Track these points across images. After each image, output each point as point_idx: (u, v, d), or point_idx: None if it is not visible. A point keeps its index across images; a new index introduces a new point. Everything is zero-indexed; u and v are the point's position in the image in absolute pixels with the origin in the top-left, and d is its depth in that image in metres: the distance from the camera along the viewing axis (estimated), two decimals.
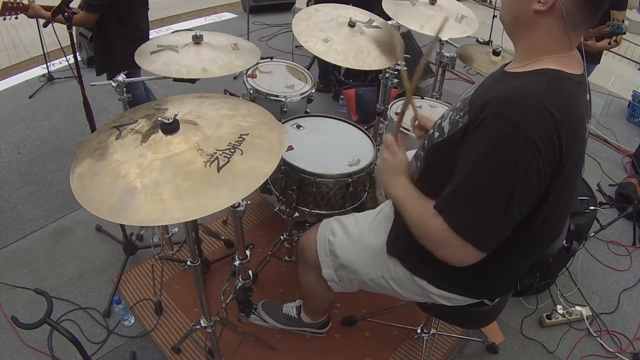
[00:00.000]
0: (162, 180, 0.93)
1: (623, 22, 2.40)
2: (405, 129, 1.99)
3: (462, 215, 0.95)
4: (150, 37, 2.39)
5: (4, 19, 1.98)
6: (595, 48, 2.52)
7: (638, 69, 5.17)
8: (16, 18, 2.00)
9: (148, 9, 2.36)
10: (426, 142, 1.17)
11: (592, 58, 2.69)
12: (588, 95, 1.01)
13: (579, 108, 0.94)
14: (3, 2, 1.93)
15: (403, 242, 1.24)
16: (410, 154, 1.68)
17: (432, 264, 1.17)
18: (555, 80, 0.92)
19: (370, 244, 1.33)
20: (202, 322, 1.54)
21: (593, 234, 2.42)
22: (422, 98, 2.31)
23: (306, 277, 1.55)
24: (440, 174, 1.03)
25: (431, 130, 1.16)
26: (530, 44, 0.99)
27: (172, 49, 1.63)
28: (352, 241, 1.36)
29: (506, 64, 1.08)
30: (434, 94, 2.53)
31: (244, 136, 1.04)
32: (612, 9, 2.50)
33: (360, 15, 2.00)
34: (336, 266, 1.39)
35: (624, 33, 2.42)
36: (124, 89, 1.67)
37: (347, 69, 3.52)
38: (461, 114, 1.01)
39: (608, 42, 2.49)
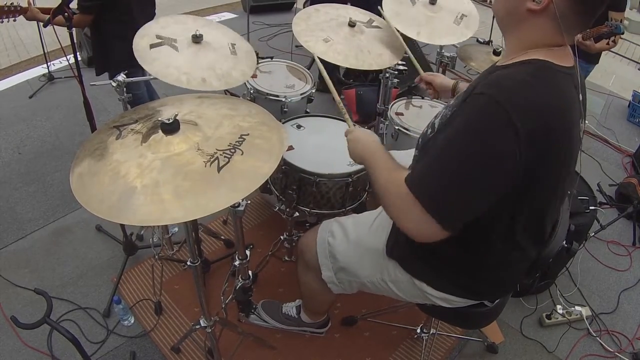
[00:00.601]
0: (162, 180, 0.93)
1: (621, 22, 2.40)
2: (405, 129, 2.00)
3: (430, 188, 0.92)
4: None
5: (2, 22, 1.98)
6: (594, 49, 2.51)
7: (638, 69, 5.17)
8: (14, 20, 1.99)
9: (154, 8, 2.35)
10: (420, 140, 1.18)
11: (590, 58, 2.69)
12: (581, 96, 0.99)
13: (567, 100, 0.93)
14: None
15: (402, 245, 1.24)
16: (408, 153, 1.69)
17: (432, 266, 1.17)
18: (542, 69, 0.92)
19: (369, 246, 1.33)
20: (201, 322, 1.54)
21: (593, 234, 2.42)
22: (423, 98, 2.31)
23: (306, 279, 1.55)
24: None
25: (425, 129, 1.17)
26: (520, 39, 0.99)
27: (172, 45, 1.62)
28: (351, 243, 1.36)
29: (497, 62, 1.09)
30: None
31: (244, 136, 1.04)
32: (610, 9, 2.50)
33: (360, 15, 2.00)
34: (336, 268, 1.39)
35: (622, 33, 2.42)
36: (124, 89, 1.67)
37: (347, 69, 3.52)
38: (451, 109, 1.02)
39: (606, 42, 2.49)
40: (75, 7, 2.02)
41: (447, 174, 0.91)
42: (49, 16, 1.85)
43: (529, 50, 0.96)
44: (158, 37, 1.62)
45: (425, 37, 2.02)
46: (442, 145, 0.93)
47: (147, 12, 2.33)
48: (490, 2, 5.90)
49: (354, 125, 1.36)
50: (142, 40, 1.58)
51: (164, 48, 1.59)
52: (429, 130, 1.11)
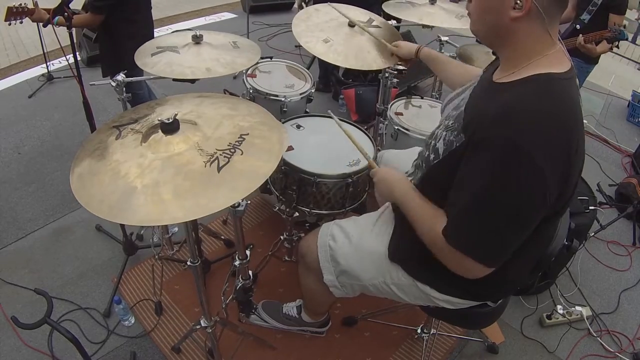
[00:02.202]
0: (162, 180, 0.93)
1: (625, 27, 2.41)
2: (405, 128, 2.00)
3: (469, 239, 0.96)
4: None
5: (9, 24, 1.98)
6: (596, 53, 2.52)
7: (638, 69, 5.17)
8: (21, 22, 2.00)
9: (151, 7, 2.36)
10: (423, 163, 1.17)
11: (590, 58, 2.70)
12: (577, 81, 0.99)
13: (574, 105, 0.92)
14: (8, 7, 1.93)
15: (405, 249, 1.23)
16: (407, 152, 1.69)
17: (435, 270, 1.17)
18: (547, 85, 0.90)
19: (371, 249, 1.33)
20: (202, 322, 1.53)
21: (593, 234, 2.42)
22: (422, 98, 2.31)
23: (307, 281, 1.54)
24: (436, 195, 1.04)
25: (426, 152, 1.16)
26: (514, 51, 0.97)
27: (173, 49, 1.63)
28: (353, 247, 1.35)
29: (492, 71, 1.06)
30: (433, 94, 2.53)
31: (244, 136, 1.04)
32: (611, 12, 2.51)
33: (360, 14, 2.00)
34: (337, 272, 1.38)
35: (627, 39, 2.43)
36: (124, 89, 1.67)
37: (347, 69, 3.52)
38: (455, 134, 1.00)
39: (610, 47, 2.50)
40: (79, 7, 2.02)
41: (483, 223, 0.94)
42: (49, 16, 1.85)
43: (527, 62, 0.94)
44: (158, 47, 1.63)
45: (427, 22, 2.07)
46: (471, 194, 0.93)
47: (150, 12, 2.34)
48: None
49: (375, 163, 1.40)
50: (142, 55, 1.61)
51: (165, 54, 1.61)
52: (432, 155, 1.09)
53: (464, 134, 0.96)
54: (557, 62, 0.94)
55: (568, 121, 0.89)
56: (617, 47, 2.50)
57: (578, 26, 2.59)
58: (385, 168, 1.31)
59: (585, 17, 2.60)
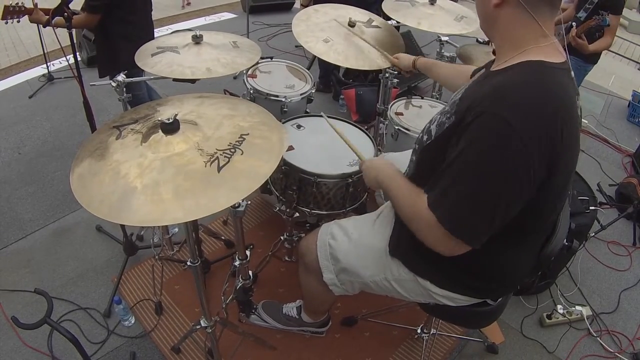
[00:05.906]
0: (162, 180, 0.93)
1: (608, 14, 2.46)
2: (405, 128, 2.00)
3: (452, 213, 0.96)
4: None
5: (6, 22, 1.98)
6: (588, 50, 2.54)
7: (638, 69, 5.18)
8: (18, 21, 2.00)
9: (151, 9, 2.36)
10: (417, 146, 1.18)
11: (589, 58, 2.70)
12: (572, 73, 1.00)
13: (567, 92, 0.94)
14: (5, 5, 1.93)
15: (405, 244, 1.23)
16: (407, 154, 1.69)
17: (436, 265, 1.17)
18: (539, 69, 0.92)
19: (371, 246, 1.33)
20: (202, 322, 1.53)
21: (593, 234, 2.42)
22: (422, 98, 2.31)
23: (307, 280, 1.54)
24: (430, 176, 1.04)
25: (420, 134, 1.17)
26: (502, 39, 1.01)
27: (173, 50, 1.63)
28: (353, 244, 1.36)
29: (491, 66, 1.09)
30: (433, 94, 2.53)
31: (244, 136, 1.04)
32: (611, 13, 2.53)
33: (359, 15, 2.00)
34: (337, 270, 1.38)
35: (608, 25, 2.48)
36: (124, 89, 1.67)
37: (347, 69, 3.52)
38: (447, 116, 1.02)
39: (605, 45, 2.53)
40: (79, 7, 2.02)
41: (467, 198, 0.94)
42: (48, 17, 1.85)
43: (520, 51, 0.96)
44: (158, 47, 1.64)
45: (426, 27, 2.05)
46: (458, 169, 0.94)
47: (149, 14, 2.34)
48: None
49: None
50: (143, 54, 1.61)
51: (166, 54, 1.61)
52: (425, 137, 1.11)
53: (455, 116, 0.98)
54: (551, 53, 0.95)
55: (561, 108, 0.90)
56: (602, 35, 2.55)
57: (574, 23, 2.61)
58: (374, 158, 1.32)
59: (582, 14, 2.63)
